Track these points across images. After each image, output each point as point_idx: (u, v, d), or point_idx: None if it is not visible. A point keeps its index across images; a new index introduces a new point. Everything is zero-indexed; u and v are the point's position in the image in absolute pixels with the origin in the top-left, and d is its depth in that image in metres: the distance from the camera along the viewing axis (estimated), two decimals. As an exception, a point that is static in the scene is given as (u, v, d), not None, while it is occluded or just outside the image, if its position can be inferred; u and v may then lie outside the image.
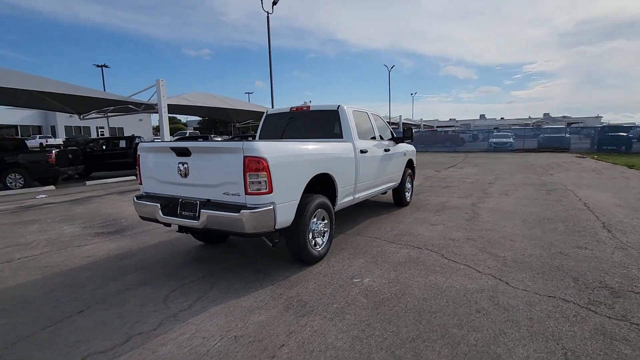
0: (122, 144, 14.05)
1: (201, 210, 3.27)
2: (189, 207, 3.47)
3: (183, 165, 3.47)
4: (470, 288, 3.25)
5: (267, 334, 2.58)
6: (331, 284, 3.42)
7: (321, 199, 3.98)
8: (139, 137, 14.65)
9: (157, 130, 58.12)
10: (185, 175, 3.48)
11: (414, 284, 3.36)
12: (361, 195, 5.08)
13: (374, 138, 5.55)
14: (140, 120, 55.31)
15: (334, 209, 4.39)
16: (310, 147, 3.87)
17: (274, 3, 18.43)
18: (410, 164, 7.16)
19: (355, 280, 3.48)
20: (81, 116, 16.68)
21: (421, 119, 58.94)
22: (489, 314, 2.79)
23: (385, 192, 6.49)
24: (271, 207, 3.19)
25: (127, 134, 56.32)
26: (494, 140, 26.55)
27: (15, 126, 45.57)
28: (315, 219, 3.94)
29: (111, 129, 55.06)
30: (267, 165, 3.13)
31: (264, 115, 5.64)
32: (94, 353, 2.40)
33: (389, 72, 35.72)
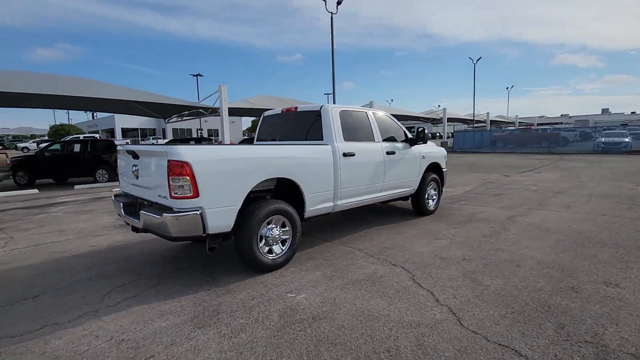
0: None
1: (140, 211, 3.39)
2: (140, 207, 3.63)
3: (135, 167, 3.65)
4: (408, 320, 2.72)
5: (152, 341, 2.53)
6: (263, 296, 3.22)
7: (276, 204, 3.79)
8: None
9: (251, 130, 63.17)
10: (137, 176, 3.65)
11: (346, 308, 2.95)
12: (350, 201, 4.69)
13: (371, 140, 5.08)
14: (232, 122, 60.86)
15: (303, 215, 4.15)
16: (257, 150, 3.70)
17: (339, 3, 18.38)
18: (434, 169, 6.39)
19: (289, 296, 3.22)
20: (165, 120, 19.06)
21: (516, 115, 52.32)
22: (398, 356, 2.29)
23: (395, 199, 5.91)
24: (197, 212, 3.14)
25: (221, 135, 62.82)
26: (603, 139, 22.17)
27: (137, 129, 54.29)
28: (271, 225, 3.77)
29: (208, 131, 61.55)
30: (191, 170, 3.08)
31: (262, 116, 5.62)
32: (4, 337, 2.66)
33: (474, 65, 32.55)
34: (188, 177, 3.07)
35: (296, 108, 5.02)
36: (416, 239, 4.84)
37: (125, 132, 53.35)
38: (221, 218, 3.33)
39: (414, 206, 6.21)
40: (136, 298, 3.25)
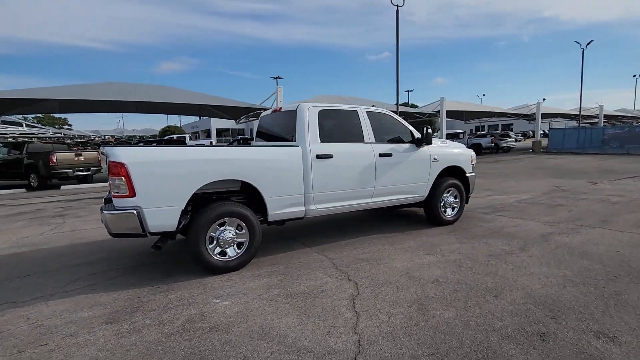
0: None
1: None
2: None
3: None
4: (300, 346, 2.41)
5: (60, 330, 2.71)
6: (191, 298, 3.21)
7: (229, 206, 3.74)
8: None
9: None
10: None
11: (252, 321, 2.75)
12: (329, 206, 4.39)
13: (360, 141, 4.66)
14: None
15: (265, 218, 4.03)
16: (203, 152, 3.68)
17: (405, -5, 17.35)
18: (454, 173, 5.60)
19: (214, 301, 3.14)
20: (236, 120, 20.56)
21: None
22: (249, 385, 2.04)
23: (400, 206, 5.35)
24: (133, 211, 3.27)
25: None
26: None
27: (229, 129, 59.74)
28: (224, 227, 3.74)
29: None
30: (126, 170, 3.22)
31: (260, 116, 5.61)
32: (-30, 308, 3.14)
33: (583, 51, 27.41)
34: (123, 177, 3.21)
35: (280, 108, 4.89)
36: (403, 253, 4.30)
37: (220, 132, 59.10)
38: (162, 218, 3.41)
39: (427, 215, 5.55)
40: (90, 287, 3.54)
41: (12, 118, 21.59)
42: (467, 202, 6.02)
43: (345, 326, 2.65)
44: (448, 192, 5.53)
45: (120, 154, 3.24)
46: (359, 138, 4.66)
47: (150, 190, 3.33)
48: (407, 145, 5.03)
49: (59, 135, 46.55)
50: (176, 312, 2.95)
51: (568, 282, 3.31)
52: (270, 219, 4.06)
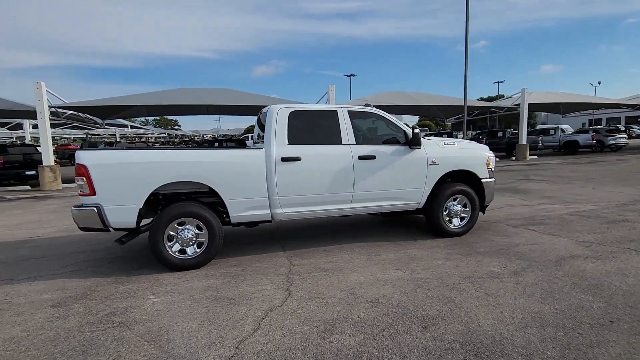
0: None
1: None
2: None
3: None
4: (171, 351, 2.40)
5: (4, 309, 3.15)
6: (134, 292, 3.41)
7: (187, 207, 3.89)
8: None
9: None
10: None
11: (158, 322, 2.82)
12: (299, 210, 4.25)
13: (338, 143, 4.38)
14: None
15: (227, 219, 4.09)
16: (160, 155, 3.86)
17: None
18: (464, 178, 4.92)
19: (149, 297, 3.30)
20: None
21: None
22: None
23: (393, 212, 4.90)
24: (94, 209, 3.61)
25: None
26: None
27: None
28: (183, 227, 3.90)
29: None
30: (87, 171, 3.57)
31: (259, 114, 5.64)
32: (-21, 282, 3.84)
33: None
34: (84, 178, 3.58)
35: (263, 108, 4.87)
36: (372, 265, 3.93)
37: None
38: (121, 215, 3.71)
39: (429, 224, 4.97)
40: (73, 272, 4.01)
41: (120, 120, 25.63)
42: (483, 212, 5.23)
43: (234, 339, 2.54)
44: (455, 199, 4.87)
45: (83, 156, 3.62)
46: (336, 140, 4.39)
47: (109, 189, 3.64)
48: (396, 147, 4.57)
49: (164, 135, 53.75)
50: (109, 304, 3.18)
51: (536, 321, 2.65)
52: (233, 220, 4.09)
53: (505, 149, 21.51)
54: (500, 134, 23.33)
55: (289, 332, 2.61)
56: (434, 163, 4.69)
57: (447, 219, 4.87)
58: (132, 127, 30.94)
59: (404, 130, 4.67)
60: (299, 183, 4.19)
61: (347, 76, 46.37)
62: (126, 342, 2.54)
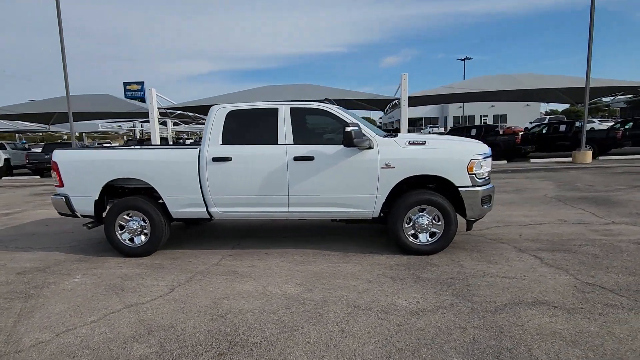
0: None
1: None
2: None
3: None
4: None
5: (-1, 271, 4.11)
6: (78, 270, 4.01)
7: (130, 201, 4.32)
8: None
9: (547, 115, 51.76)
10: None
11: (43, 300, 3.28)
12: (234, 211, 4.24)
13: (274, 143, 4.13)
14: (527, 105, 53.13)
15: (169, 214, 4.36)
16: (108, 153, 4.34)
17: None
18: (440, 185, 4.05)
19: (77, 277, 3.83)
20: (384, 111, 20.14)
21: None
22: None
23: (345, 220, 4.37)
24: (62, 198, 4.36)
25: (509, 121, 55.40)
26: None
27: (421, 118, 58.47)
28: (130, 218, 4.35)
29: (494, 117, 56.68)
30: (57, 166, 4.32)
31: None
32: None
33: None
34: (55, 172, 4.35)
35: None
36: (282, 276, 3.65)
37: (411, 122, 58.84)
38: (82, 204, 4.38)
39: (391, 236, 4.25)
40: (67, 247, 4.92)
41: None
42: (468, 228, 4.19)
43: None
44: (422, 210, 4.05)
45: (55, 154, 4.40)
46: (272, 139, 4.16)
47: (72, 182, 4.34)
48: (340, 147, 4.04)
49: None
50: (43, 277, 3.83)
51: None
52: (173, 215, 4.36)
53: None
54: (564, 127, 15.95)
55: (113, 330, 2.70)
56: (387, 166, 3.98)
57: (411, 232, 4.08)
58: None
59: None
60: (230, 183, 4.16)
61: (461, 60, 41.82)
62: (5, 311, 3.06)
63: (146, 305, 3.09)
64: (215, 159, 4.14)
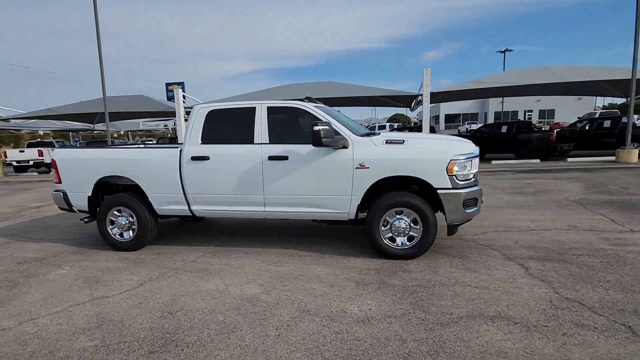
0: None
1: None
2: None
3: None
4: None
5: None
6: (70, 262, 4.28)
7: (118, 198, 4.53)
8: None
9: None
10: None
11: (26, 289, 3.51)
12: (213, 209, 4.33)
13: (250, 142, 4.13)
14: (578, 99, 49.44)
15: (155, 212, 4.52)
16: (99, 152, 4.56)
17: None
18: (419, 187, 3.86)
19: (65, 268, 4.07)
20: (411, 107, 19.48)
21: None
22: None
23: (324, 221, 4.28)
24: (59, 193, 4.67)
25: (557, 117, 51.48)
26: None
27: (459, 114, 56.06)
28: (120, 214, 4.56)
29: (540, 112, 53.35)
30: (55, 164, 4.63)
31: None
32: None
33: None
34: (54, 169, 4.66)
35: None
36: (249, 275, 3.65)
37: (449, 118, 56.61)
38: (77, 200, 4.65)
39: (370, 240, 4.11)
40: (65, 240, 5.27)
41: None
42: (449, 233, 3.94)
43: (38, 312, 2.97)
44: (400, 213, 3.87)
45: (54, 152, 4.71)
46: (248, 138, 4.16)
47: (69, 179, 4.63)
48: (314, 147, 3.94)
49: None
50: (37, 267, 4.12)
51: (258, 385, 2.03)
52: (158, 212, 4.51)
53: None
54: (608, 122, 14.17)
55: (69, 322, 2.84)
56: (362, 166, 3.83)
57: (389, 235, 3.91)
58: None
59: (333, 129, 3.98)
60: (208, 182, 4.22)
61: (501, 52, 39.53)
62: (-11, 299, 3.32)
63: (110, 299, 3.22)
64: (194, 158, 4.22)
